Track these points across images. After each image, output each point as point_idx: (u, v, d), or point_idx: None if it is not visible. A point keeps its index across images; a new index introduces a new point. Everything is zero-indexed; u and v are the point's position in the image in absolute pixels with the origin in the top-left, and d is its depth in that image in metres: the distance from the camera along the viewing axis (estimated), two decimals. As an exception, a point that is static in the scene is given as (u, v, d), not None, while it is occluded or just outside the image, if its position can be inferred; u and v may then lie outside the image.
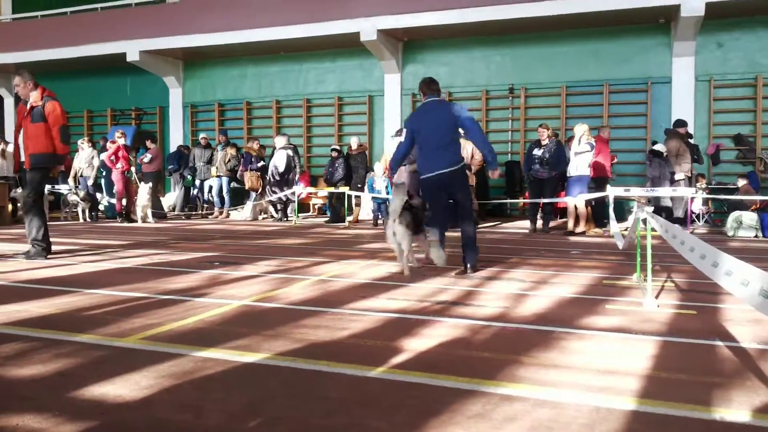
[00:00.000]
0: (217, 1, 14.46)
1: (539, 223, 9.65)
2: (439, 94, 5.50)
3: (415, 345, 2.90)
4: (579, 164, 9.16)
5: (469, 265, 5.10)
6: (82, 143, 12.71)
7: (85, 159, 12.36)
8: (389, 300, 3.99)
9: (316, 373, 2.49)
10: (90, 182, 12.34)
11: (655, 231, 3.77)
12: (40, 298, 4.05)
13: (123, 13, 15.25)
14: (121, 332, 3.10)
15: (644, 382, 2.38)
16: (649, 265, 3.94)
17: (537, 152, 9.40)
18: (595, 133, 9.87)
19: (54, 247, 6.31)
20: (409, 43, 14.03)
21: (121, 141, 11.62)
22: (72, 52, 15.43)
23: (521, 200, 12.38)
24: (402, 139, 5.86)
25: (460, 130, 5.39)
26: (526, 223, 10.45)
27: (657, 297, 4.01)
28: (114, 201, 11.79)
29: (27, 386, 2.32)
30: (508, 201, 12.63)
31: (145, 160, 12.53)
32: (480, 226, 10.21)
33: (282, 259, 6.01)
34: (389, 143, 11.35)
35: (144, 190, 11.26)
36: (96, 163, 12.23)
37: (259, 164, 12.28)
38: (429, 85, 5.42)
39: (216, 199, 12.93)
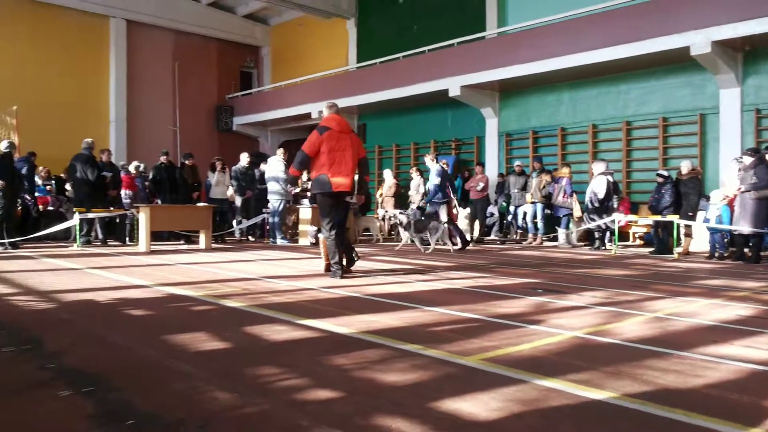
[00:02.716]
0: (532, 31, 14.74)
1: None
2: None
3: (797, 407, 2.43)
4: None
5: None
6: (412, 172, 14.09)
7: (413, 187, 13.67)
8: (747, 348, 3.45)
9: (672, 422, 2.26)
10: (415, 206, 13.58)
11: None
12: (388, 311, 4.55)
13: (447, 53, 16.54)
14: (463, 351, 3.28)
15: None
16: None
17: None
18: None
19: (388, 266, 7.07)
20: (751, 53, 12.24)
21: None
22: (403, 92, 17.32)
23: None
24: None
25: None
26: None
27: None
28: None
29: (393, 391, 2.59)
30: None
31: (478, 188, 13.32)
32: None
33: (608, 291, 5.72)
34: (730, 167, 9.99)
35: (461, 215, 11.94)
36: (422, 190, 13.43)
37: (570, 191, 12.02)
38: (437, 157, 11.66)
39: (530, 225, 13.04)
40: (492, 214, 14.78)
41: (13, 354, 3.15)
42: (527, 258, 9.52)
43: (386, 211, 14.30)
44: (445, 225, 10.50)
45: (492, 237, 14.29)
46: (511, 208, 13.78)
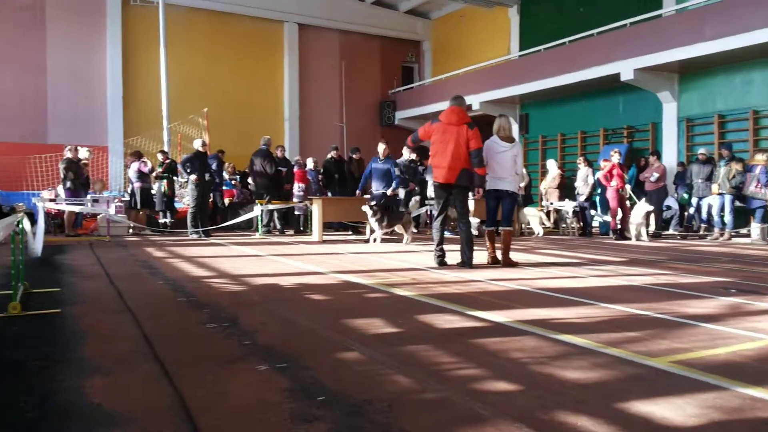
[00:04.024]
0: (718, 5, 13.28)
1: None
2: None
3: None
4: None
5: None
6: (579, 162, 13.45)
7: (581, 177, 13.05)
8: None
9: None
10: (583, 198, 12.94)
11: None
12: (560, 306, 4.39)
13: (618, 34, 15.50)
14: (650, 352, 3.06)
15: None
16: None
17: None
18: None
19: (555, 260, 6.81)
20: None
21: (615, 159, 11.80)
22: (569, 78, 16.53)
23: None
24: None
25: None
26: None
27: None
28: (608, 218, 12.06)
29: (575, 388, 2.49)
30: None
31: (652, 179, 12.41)
32: None
33: (817, 294, 5.02)
34: None
35: (640, 208, 11.17)
36: (591, 180, 12.77)
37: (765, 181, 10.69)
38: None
39: (716, 218, 11.82)
40: (669, 207, 13.64)
41: (216, 330, 3.52)
42: (714, 254, 8.66)
43: (551, 203, 13.84)
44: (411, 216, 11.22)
45: (670, 231, 13.19)
46: (694, 200, 12.59)
